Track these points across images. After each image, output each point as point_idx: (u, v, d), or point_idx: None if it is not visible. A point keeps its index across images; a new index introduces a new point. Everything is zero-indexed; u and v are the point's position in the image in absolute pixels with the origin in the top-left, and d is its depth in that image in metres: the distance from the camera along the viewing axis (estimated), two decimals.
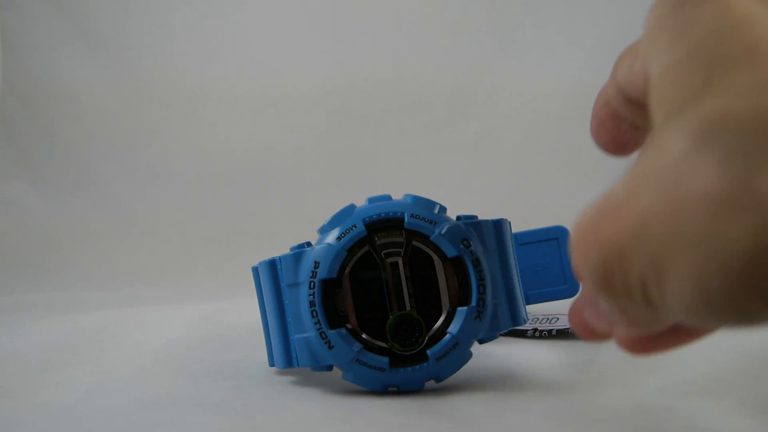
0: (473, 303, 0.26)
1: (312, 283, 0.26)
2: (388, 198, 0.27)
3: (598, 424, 0.23)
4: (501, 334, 0.33)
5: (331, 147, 0.84)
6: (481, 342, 0.27)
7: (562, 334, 0.32)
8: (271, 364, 0.30)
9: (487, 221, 0.27)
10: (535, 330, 0.33)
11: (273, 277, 0.28)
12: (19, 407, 0.27)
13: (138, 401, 0.28)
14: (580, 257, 0.15)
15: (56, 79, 0.85)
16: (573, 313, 0.20)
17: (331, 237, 0.26)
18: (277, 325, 0.28)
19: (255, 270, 0.30)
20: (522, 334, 0.33)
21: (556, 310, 0.34)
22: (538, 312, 0.35)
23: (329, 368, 0.27)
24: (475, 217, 0.27)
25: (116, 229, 0.80)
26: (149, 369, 0.34)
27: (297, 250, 0.27)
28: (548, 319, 0.34)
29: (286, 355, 0.28)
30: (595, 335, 0.19)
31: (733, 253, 0.12)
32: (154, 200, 0.82)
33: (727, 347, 0.31)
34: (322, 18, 0.86)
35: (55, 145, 0.85)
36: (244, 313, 0.47)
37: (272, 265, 0.28)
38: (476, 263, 0.26)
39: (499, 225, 0.28)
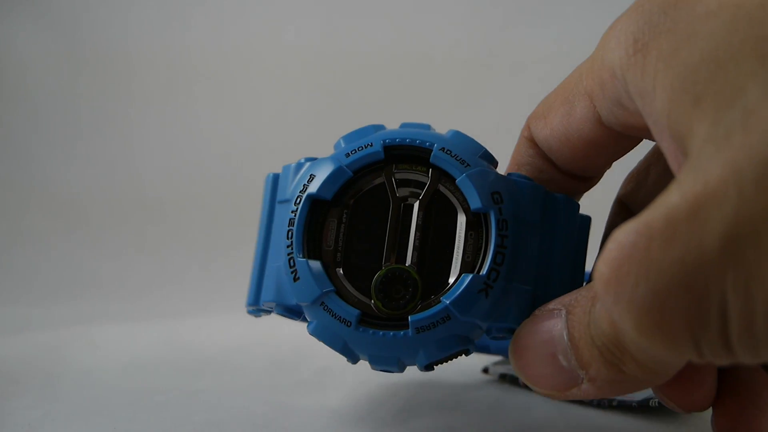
0: (483, 272, 0.24)
1: (299, 198, 0.25)
2: (426, 127, 0.26)
3: None
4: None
5: (324, 134, 0.83)
6: (488, 335, 0.25)
7: (625, 407, 0.31)
8: (247, 311, 0.29)
9: (537, 186, 0.25)
10: (612, 399, 0.32)
11: (272, 192, 0.27)
12: None
13: None
14: (620, 294, 0.15)
15: None
16: (518, 355, 0.21)
17: (341, 152, 0.25)
18: (260, 252, 0.27)
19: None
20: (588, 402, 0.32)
21: None
22: None
23: (296, 314, 0.26)
24: (530, 179, 0.25)
25: (63, 230, 0.79)
26: (103, 400, 0.34)
27: (303, 161, 0.26)
28: None
29: (257, 289, 0.27)
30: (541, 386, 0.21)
31: None
32: (110, 197, 0.82)
33: None
34: None
35: None
36: (219, 333, 0.47)
37: (276, 178, 0.27)
38: (502, 225, 0.24)
39: (554, 200, 0.25)
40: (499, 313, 0.24)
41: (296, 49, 0.86)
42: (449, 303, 0.23)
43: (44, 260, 0.76)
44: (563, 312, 0.21)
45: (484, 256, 0.24)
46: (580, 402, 0.32)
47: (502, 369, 0.35)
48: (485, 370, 0.36)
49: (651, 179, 0.26)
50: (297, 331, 0.42)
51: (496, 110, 0.82)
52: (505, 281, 0.24)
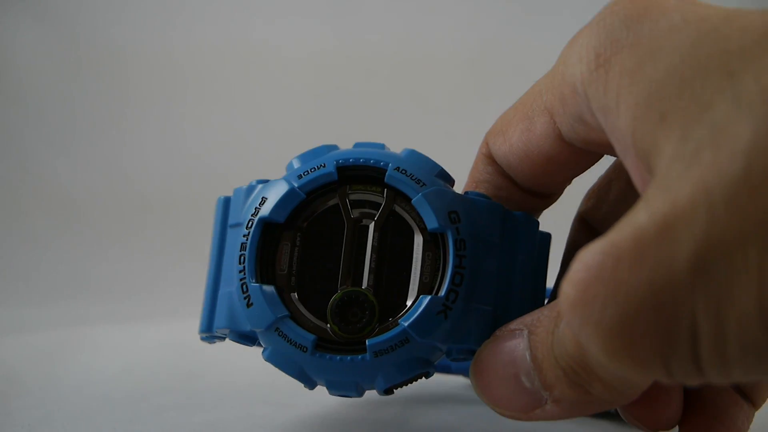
0: (442, 293, 0.23)
1: (250, 222, 0.24)
2: (380, 147, 0.26)
3: None
4: None
5: (323, 134, 0.83)
6: (448, 356, 0.25)
7: (615, 414, 0.31)
8: (201, 337, 0.28)
9: (496, 205, 0.25)
10: None
11: (223, 216, 0.27)
12: None
13: None
14: (588, 316, 0.15)
15: None
16: (479, 377, 0.22)
17: (293, 174, 0.25)
18: (211, 277, 0.27)
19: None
20: None
21: None
22: None
23: (250, 340, 0.25)
24: (487, 198, 0.25)
25: (62, 231, 0.79)
26: (104, 401, 0.33)
27: (254, 183, 0.26)
28: None
29: (210, 315, 0.26)
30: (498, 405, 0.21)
31: None
32: (109, 198, 0.82)
33: None
34: None
35: None
36: None
37: (227, 202, 0.27)
38: (460, 245, 0.23)
39: (513, 218, 0.25)
40: (459, 335, 0.23)
41: (294, 50, 0.86)
42: (407, 325, 0.23)
43: (43, 261, 0.76)
44: (525, 332, 0.21)
45: (442, 276, 0.23)
46: None
47: None
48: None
49: (613, 195, 0.26)
50: None
51: (497, 111, 0.82)
52: (465, 302, 0.23)
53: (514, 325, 0.22)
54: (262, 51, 0.86)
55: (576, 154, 0.23)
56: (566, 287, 0.16)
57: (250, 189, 0.25)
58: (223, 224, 0.27)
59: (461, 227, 0.24)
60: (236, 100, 0.86)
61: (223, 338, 0.26)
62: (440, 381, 0.36)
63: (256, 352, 0.43)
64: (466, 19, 0.85)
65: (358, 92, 0.85)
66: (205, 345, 0.45)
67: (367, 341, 0.23)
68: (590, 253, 0.15)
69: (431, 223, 0.24)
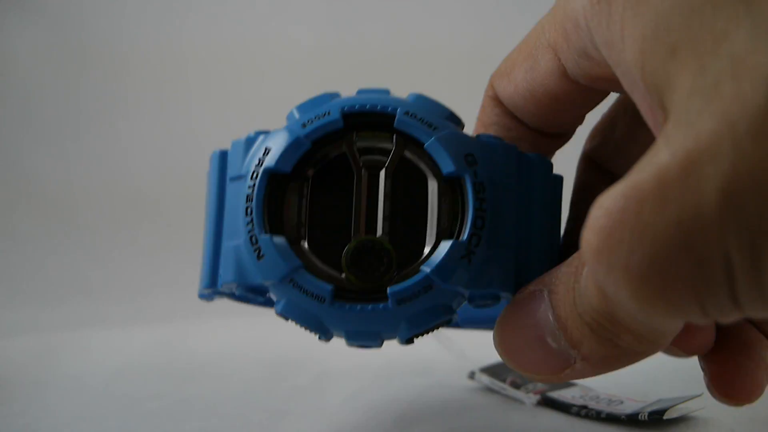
0: (464, 237, 0.23)
1: (255, 173, 0.24)
2: (385, 92, 0.25)
3: None
4: (540, 404, 0.33)
5: None
6: (470, 303, 0.24)
7: (613, 419, 0.31)
8: (199, 294, 0.28)
9: (510, 146, 0.24)
10: (583, 407, 0.32)
11: (220, 170, 0.26)
12: None
13: None
14: (614, 263, 0.15)
15: None
16: (504, 343, 0.21)
17: (296, 123, 0.24)
18: (211, 232, 0.26)
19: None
20: (566, 409, 0.32)
21: (624, 393, 0.33)
22: (602, 390, 0.34)
23: (260, 294, 0.24)
24: (500, 139, 0.25)
25: (54, 232, 0.79)
26: (94, 407, 0.33)
27: (253, 135, 0.25)
28: (610, 400, 0.33)
29: (212, 271, 0.26)
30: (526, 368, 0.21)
31: None
32: (102, 200, 0.82)
33: None
34: None
35: None
36: (213, 337, 0.47)
37: (223, 155, 0.26)
38: (479, 188, 0.23)
39: (527, 160, 0.25)
40: (483, 279, 0.23)
41: (294, 47, 0.86)
42: (430, 271, 0.22)
43: (34, 263, 0.76)
44: (545, 292, 0.21)
45: (462, 221, 0.23)
46: (585, 415, 0.32)
47: (486, 380, 0.35)
48: (471, 377, 0.36)
49: (618, 132, 0.26)
50: (294, 334, 0.41)
51: None
52: (487, 246, 0.23)
53: (533, 286, 0.21)
54: (258, 49, 0.86)
55: (582, 91, 0.22)
56: (588, 235, 0.15)
57: (250, 140, 0.25)
58: (221, 178, 0.26)
59: (479, 170, 0.23)
60: (233, 100, 0.86)
61: (227, 294, 0.26)
62: (442, 386, 0.36)
63: (252, 356, 0.43)
64: (464, 16, 0.85)
65: (356, 90, 0.85)
66: (199, 347, 0.45)
67: (388, 289, 0.22)
68: (610, 198, 0.15)
69: (447, 167, 0.23)
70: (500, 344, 0.22)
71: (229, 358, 0.40)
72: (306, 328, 0.24)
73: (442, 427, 0.30)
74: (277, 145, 0.24)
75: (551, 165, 0.25)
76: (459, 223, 0.23)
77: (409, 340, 0.24)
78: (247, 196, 0.23)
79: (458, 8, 0.85)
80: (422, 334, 0.24)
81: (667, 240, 0.14)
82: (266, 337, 0.45)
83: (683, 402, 0.30)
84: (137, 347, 0.46)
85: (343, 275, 0.23)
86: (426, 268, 0.22)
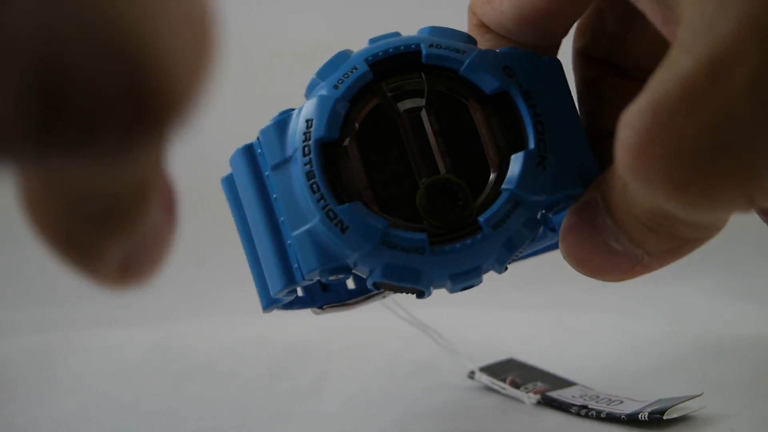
0: (532, 146, 0.23)
1: (306, 148, 0.23)
2: (396, 35, 0.25)
3: None
4: (540, 404, 0.33)
5: None
6: (549, 210, 0.24)
7: (613, 419, 0.31)
8: (266, 306, 0.26)
9: (531, 52, 0.24)
10: (583, 407, 0.32)
11: (251, 168, 0.25)
12: None
13: None
14: (654, 177, 0.15)
15: None
16: (572, 254, 0.22)
17: (325, 87, 0.24)
18: (265, 233, 0.25)
19: (225, 181, 0.27)
20: (566, 409, 0.32)
21: (624, 393, 0.33)
22: (602, 390, 0.34)
23: (346, 272, 0.24)
24: (518, 48, 0.24)
25: None
26: (93, 407, 0.33)
27: (279, 117, 0.24)
28: (610, 400, 0.33)
29: (284, 269, 0.24)
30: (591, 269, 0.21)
31: None
32: None
33: None
34: None
35: None
36: (212, 337, 0.47)
37: (248, 150, 0.25)
38: (527, 95, 0.23)
39: (546, 63, 0.25)
40: (562, 182, 0.23)
41: (294, 45, 0.86)
42: (515, 187, 0.22)
43: (31, 262, 0.76)
44: (599, 199, 0.21)
45: (522, 132, 0.23)
46: (585, 415, 0.32)
47: (486, 380, 0.35)
48: (471, 376, 0.36)
49: (610, 26, 0.25)
50: (294, 334, 0.42)
51: None
52: (553, 147, 0.23)
53: (586, 197, 0.22)
54: (256, 46, 0.86)
55: (571, 0, 0.22)
56: (622, 155, 0.15)
57: (283, 122, 0.24)
58: (255, 173, 0.25)
59: (519, 79, 0.23)
60: (232, 99, 0.85)
61: (308, 283, 0.25)
62: (442, 387, 0.36)
63: (251, 356, 0.43)
64: (465, 16, 0.85)
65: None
66: (199, 347, 0.45)
67: (479, 218, 0.22)
68: (635, 116, 0.15)
69: (490, 84, 0.23)
70: (568, 255, 0.22)
71: (229, 358, 0.40)
72: (406, 291, 0.23)
73: (442, 427, 0.30)
74: (318, 113, 0.23)
75: (562, 65, 0.25)
76: (516, 136, 0.23)
77: (506, 267, 0.24)
78: (307, 174, 0.23)
79: (456, 9, 0.85)
80: (517, 258, 0.24)
81: (704, 145, 0.14)
82: (266, 338, 0.45)
83: (683, 402, 0.30)
84: (136, 347, 0.46)
85: (425, 223, 0.23)
86: (508, 185, 0.22)
